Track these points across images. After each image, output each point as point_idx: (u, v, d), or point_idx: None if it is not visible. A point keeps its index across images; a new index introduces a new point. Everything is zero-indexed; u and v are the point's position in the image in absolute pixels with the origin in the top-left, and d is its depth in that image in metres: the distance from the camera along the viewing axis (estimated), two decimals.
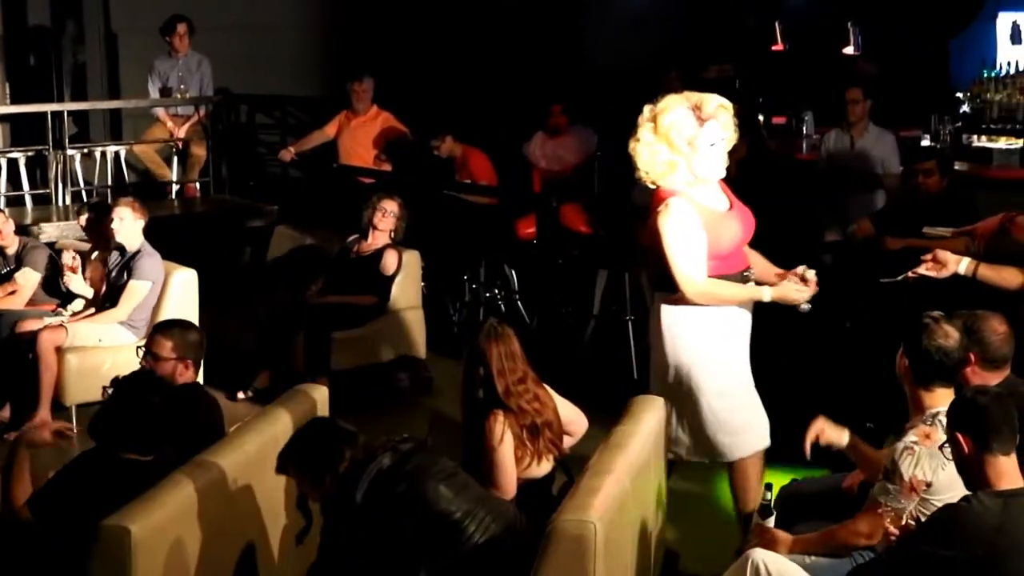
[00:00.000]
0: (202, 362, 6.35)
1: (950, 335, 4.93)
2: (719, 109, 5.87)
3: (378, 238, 9.16)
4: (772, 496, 5.11)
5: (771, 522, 5.01)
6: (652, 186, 5.92)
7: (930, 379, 4.93)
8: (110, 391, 5.21)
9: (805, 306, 5.84)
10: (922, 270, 5.87)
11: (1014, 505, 4.20)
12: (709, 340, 5.90)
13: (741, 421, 5.97)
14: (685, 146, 5.81)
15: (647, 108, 5.97)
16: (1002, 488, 4.23)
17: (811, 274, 5.86)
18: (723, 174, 5.96)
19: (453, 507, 4.75)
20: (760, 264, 6.10)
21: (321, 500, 4.85)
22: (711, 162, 5.86)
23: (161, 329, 6.30)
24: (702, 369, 5.90)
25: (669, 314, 5.92)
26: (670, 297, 5.88)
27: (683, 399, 5.95)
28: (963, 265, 5.85)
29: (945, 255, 5.84)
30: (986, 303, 5.58)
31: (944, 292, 6.16)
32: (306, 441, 4.90)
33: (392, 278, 9.12)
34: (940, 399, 4.84)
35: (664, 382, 5.99)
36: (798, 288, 5.84)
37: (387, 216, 9.10)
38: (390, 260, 9.08)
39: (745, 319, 6.01)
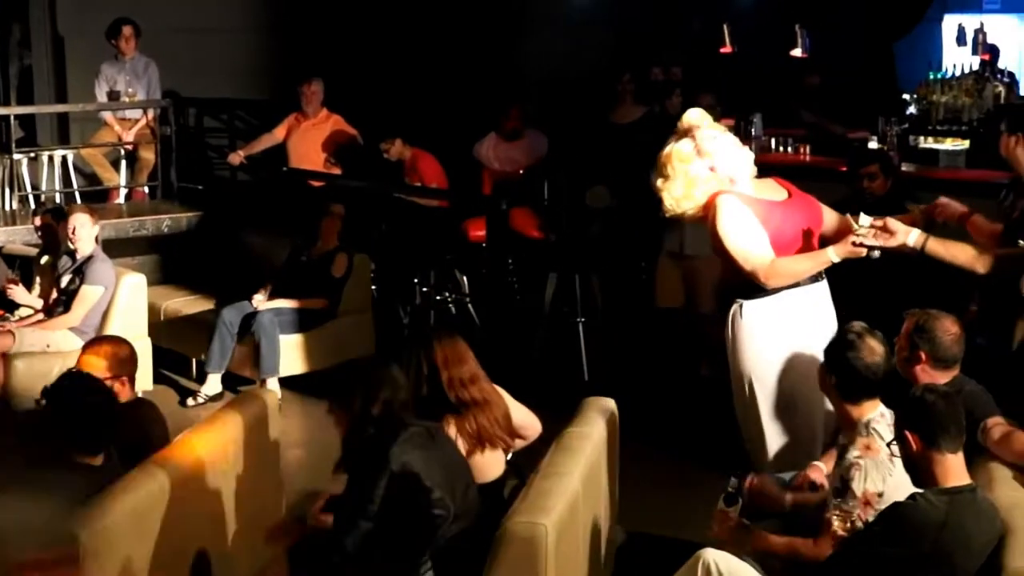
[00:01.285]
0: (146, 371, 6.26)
1: (875, 351, 5.00)
2: (692, 124, 6.14)
3: (328, 241, 9.17)
4: (738, 484, 5.11)
5: (735, 511, 5.01)
6: (700, 215, 6.11)
7: (858, 395, 4.98)
8: (43, 402, 5.12)
9: (875, 252, 5.83)
10: (870, 239, 5.81)
11: (959, 502, 4.26)
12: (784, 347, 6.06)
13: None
14: (696, 157, 6.05)
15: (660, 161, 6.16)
16: (948, 485, 4.28)
17: (864, 219, 5.82)
18: (752, 166, 6.13)
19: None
20: (830, 216, 6.22)
21: (345, 430, 5.02)
22: (732, 158, 6.06)
23: (91, 349, 6.07)
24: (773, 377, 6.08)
25: (746, 319, 6.10)
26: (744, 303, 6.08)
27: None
28: (912, 236, 5.78)
29: (896, 224, 5.79)
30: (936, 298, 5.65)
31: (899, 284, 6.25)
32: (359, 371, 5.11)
33: (342, 281, 9.12)
34: (867, 410, 4.94)
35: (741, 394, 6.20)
36: (857, 238, 5.81)
37: (336, 220, 9.15)
38: (340, 263, 9.09)
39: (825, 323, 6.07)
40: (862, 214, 5.85)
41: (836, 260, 5.93)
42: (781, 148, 11.30)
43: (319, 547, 5.03)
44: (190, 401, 8.83)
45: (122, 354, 6.00)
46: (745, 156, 6.13)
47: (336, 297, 9.13)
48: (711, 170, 6.03)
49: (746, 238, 5.93)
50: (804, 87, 12.84)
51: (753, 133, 11.50)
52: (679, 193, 6.07)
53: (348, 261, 9.13)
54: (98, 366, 5.85)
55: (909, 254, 5.83)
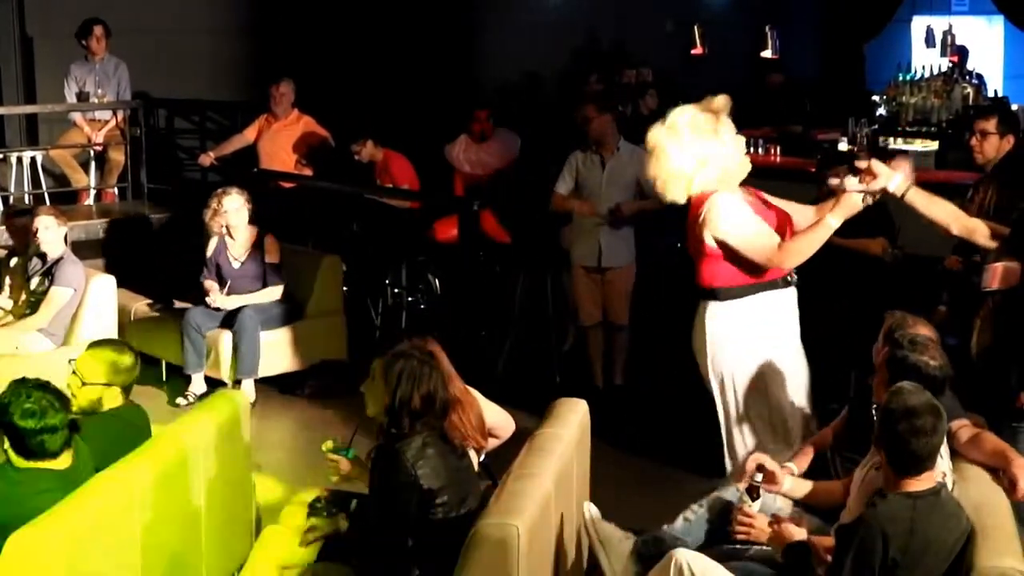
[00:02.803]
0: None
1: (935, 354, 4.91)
2: (720, 107, 6.23)
3: (245, 231, 9.16)
4: (761, 479, 5.11)
5: (756, 506, 4.98)
6: (683, 199, 6.15)
7: None
8: None
9: (868, 199, 5.91)
10: (853, 183, 5.81)
11: (923, 507, 4.25)
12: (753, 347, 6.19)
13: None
14: (713, 136, 6.12)
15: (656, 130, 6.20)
16: (910, 490, 4.28)
17: (851, 181, 5.82)
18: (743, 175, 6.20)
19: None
20: (804, 214, 6.29)
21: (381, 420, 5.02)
22: (739, 156, 6.17)
23: (93, 350, 5.80)
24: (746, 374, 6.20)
25: (718, 320, 6.21)
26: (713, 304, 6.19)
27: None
28: (894, 182, 5.72)
29: (879, 167, 5.77)
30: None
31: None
32: (407, 354, 5.04)
33: (280, 265, 9.14)
34: None
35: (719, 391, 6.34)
36: (851, 190, 5.83)
37: (241, 209, 9.10)
38: (270, 246, 9.11)
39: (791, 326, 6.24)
40: (850, 176, 5.85)
41: (836, 224, 5.97)
42: (751, 149, 11.29)
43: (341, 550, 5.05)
44: (180, 400, 8.81)
45: (122, 364, 5.70)
46: (745, 162, 6.20)
47: (282, 280, 9.13)
48: (714, 157, 6.10)
49: (752, 229, 6.05)
50: (767, 86, 12.90)
51: None
52: (676, 166, 6.11)
53: (275, 240, 9.14)
54: (95, 370, 5.65)
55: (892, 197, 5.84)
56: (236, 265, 9.14)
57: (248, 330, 8.75)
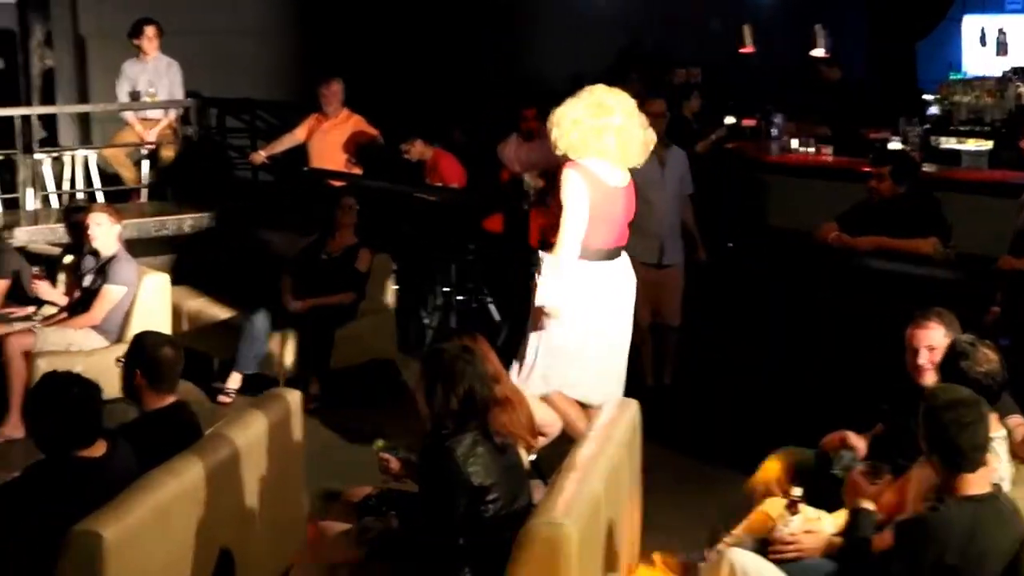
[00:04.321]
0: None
1: (990, 358, 4.88)
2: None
3: (345, 236, 9.20)
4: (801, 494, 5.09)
5: (796, 521, 4.96)
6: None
7: None
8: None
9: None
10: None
11: (984, 510, 4.22)
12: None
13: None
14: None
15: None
16: (971, 494, 4.25)
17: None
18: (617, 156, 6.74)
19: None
20: None
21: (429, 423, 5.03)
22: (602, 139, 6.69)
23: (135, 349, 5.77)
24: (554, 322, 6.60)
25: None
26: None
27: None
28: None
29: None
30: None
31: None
32: (446, 350, 5.07)
33: (367, 275, 9.16)
34: (993, 425, 4.63)
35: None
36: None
37: (351, 211, 9.17)
38: (364, 257, 9.14)
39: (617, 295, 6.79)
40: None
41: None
42: (802, 148, 11.25)
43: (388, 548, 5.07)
44: (222, 398, 8.86)
45: (164, 354, 5.65)
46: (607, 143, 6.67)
47: (362, 290, 9.17)
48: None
49: (574, 212, 6.55)
50: (822, 80, 12.78)
51: (774, 133, 11.48)
52: (569, 123, 6.67)
53: (371, 256, 9.18)
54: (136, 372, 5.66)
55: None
56: (325, 257, 9.24)
57: (321, 328, 8.83)
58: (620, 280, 6.85)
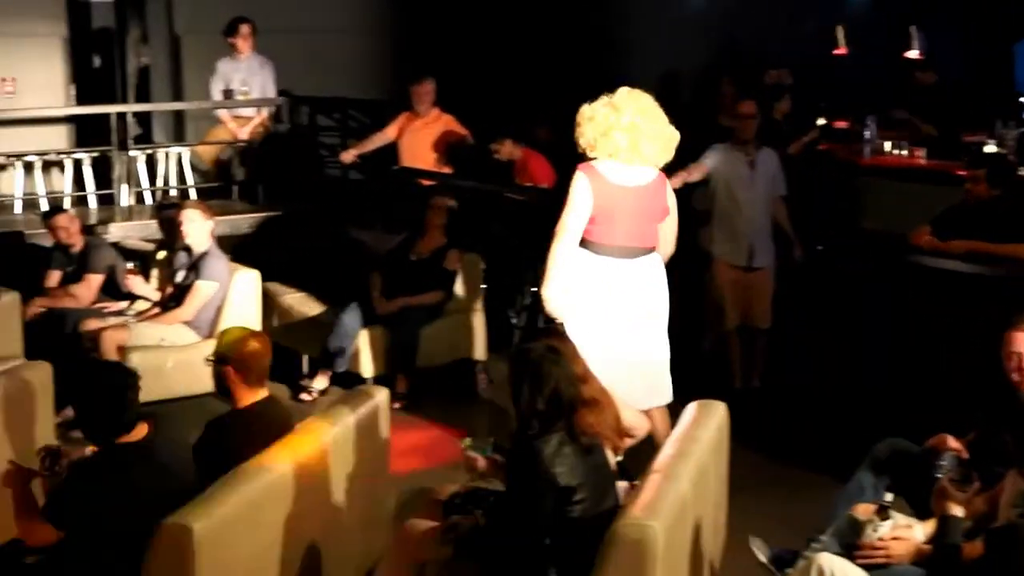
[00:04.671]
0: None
1: None
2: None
3: (435, 236, 9.23)
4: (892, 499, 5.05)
5: (886, 527, 4.93)
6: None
7: None
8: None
9: None
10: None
11: None
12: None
13: None
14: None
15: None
16: None
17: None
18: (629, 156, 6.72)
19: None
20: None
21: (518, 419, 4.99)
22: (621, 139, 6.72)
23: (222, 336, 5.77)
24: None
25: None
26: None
27: None
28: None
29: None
30: None
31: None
32: (533, 350, 5.05)
33: (455, 274, 9.19)
34: None
35: None
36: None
37: (442, 212, 9.20)
38: (452, 258, 9.16)
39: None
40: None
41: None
42: (895, 151, 11.13)
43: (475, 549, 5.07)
44: (304, 396, 8.92)
45: (249, 348, 5.55)
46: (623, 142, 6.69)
47: (451, 290, 9.20)
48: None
49: (570, 210, 6.69)
50: (916, 84, 12.65)
51: (867, 136, 11.36)
52: (585, 122, 6.82)
53: (460, 256, 9.20)
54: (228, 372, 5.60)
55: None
56: (414, 258, 9.27)
57: (410, 326, 8.89)
58: (640, 278, 6.77)
